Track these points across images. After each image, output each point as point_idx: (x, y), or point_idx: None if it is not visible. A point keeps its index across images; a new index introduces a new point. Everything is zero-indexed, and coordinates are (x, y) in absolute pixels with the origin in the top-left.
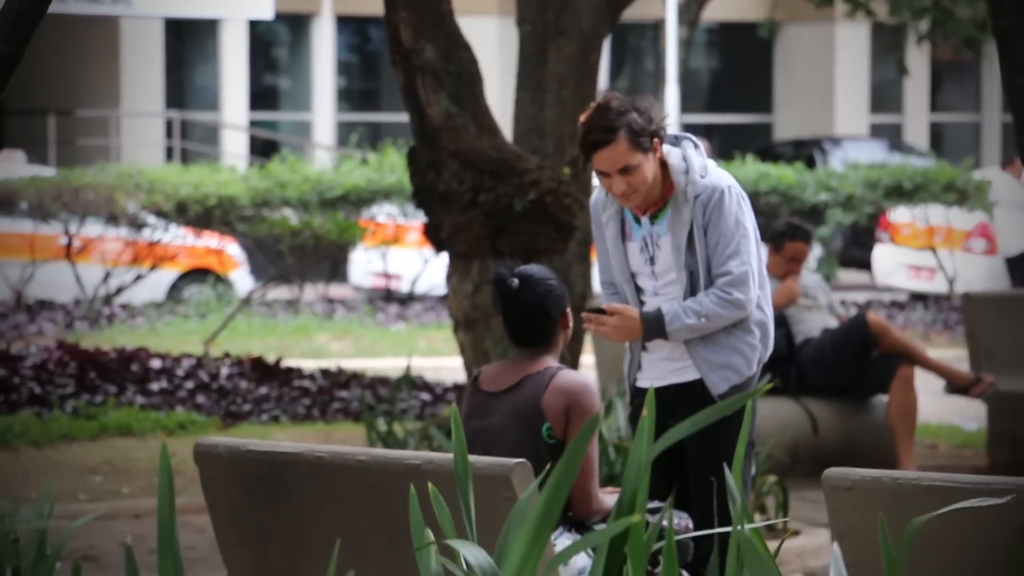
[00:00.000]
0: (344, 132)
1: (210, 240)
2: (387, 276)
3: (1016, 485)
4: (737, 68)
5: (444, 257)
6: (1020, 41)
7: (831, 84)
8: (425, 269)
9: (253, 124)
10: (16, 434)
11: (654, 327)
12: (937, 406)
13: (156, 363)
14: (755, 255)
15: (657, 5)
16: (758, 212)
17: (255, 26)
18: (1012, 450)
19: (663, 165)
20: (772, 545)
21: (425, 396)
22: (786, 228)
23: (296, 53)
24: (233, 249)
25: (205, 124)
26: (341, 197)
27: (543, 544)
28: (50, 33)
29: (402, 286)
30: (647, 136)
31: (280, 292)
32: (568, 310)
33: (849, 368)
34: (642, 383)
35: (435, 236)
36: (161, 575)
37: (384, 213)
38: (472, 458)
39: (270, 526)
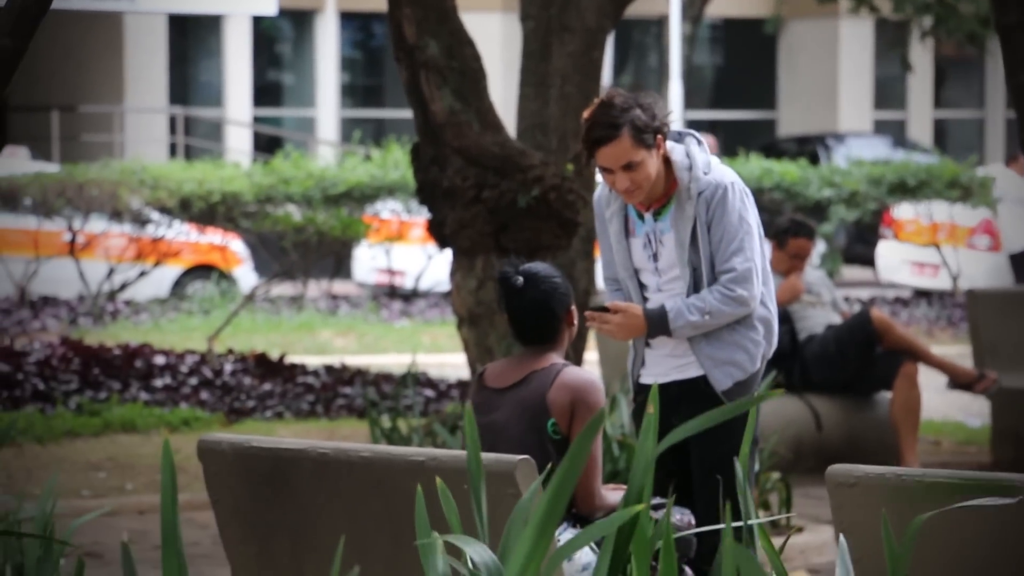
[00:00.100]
0: (348, 128)
1: (214, 236)
2: (391, 272)
3: (1021, 482)
4: (741, 64)
5: (448, 253)
6: (1023, 37)
7: (835, 80)
8: (429, 265)
9: (257, 120)
10: (20, 430)
11: (658, 324)
12: (941, 402)
13: (160, 359)
14: (758, 251)
15: (661, 1)
16: (762, 208)
17: (259, 22)
18: (1016, 446)
19: (666, 161)
20: (776, 542)
21: (429, 392)
22: (790, 224)
23: (300, 49)
24: (237, 245)
25: (209, 120)
26: (345, 193)
27: (547, 541)
28: (53, 29)
29: (406, 282)
30: (650, 132)
31: (284, 288)
32: (572, 307)
33: (853, 365)
34: (645, 379)
35: (439, 232)
36: (165, 571)
37: (388, 209)
38: None
39: (274, 522)
